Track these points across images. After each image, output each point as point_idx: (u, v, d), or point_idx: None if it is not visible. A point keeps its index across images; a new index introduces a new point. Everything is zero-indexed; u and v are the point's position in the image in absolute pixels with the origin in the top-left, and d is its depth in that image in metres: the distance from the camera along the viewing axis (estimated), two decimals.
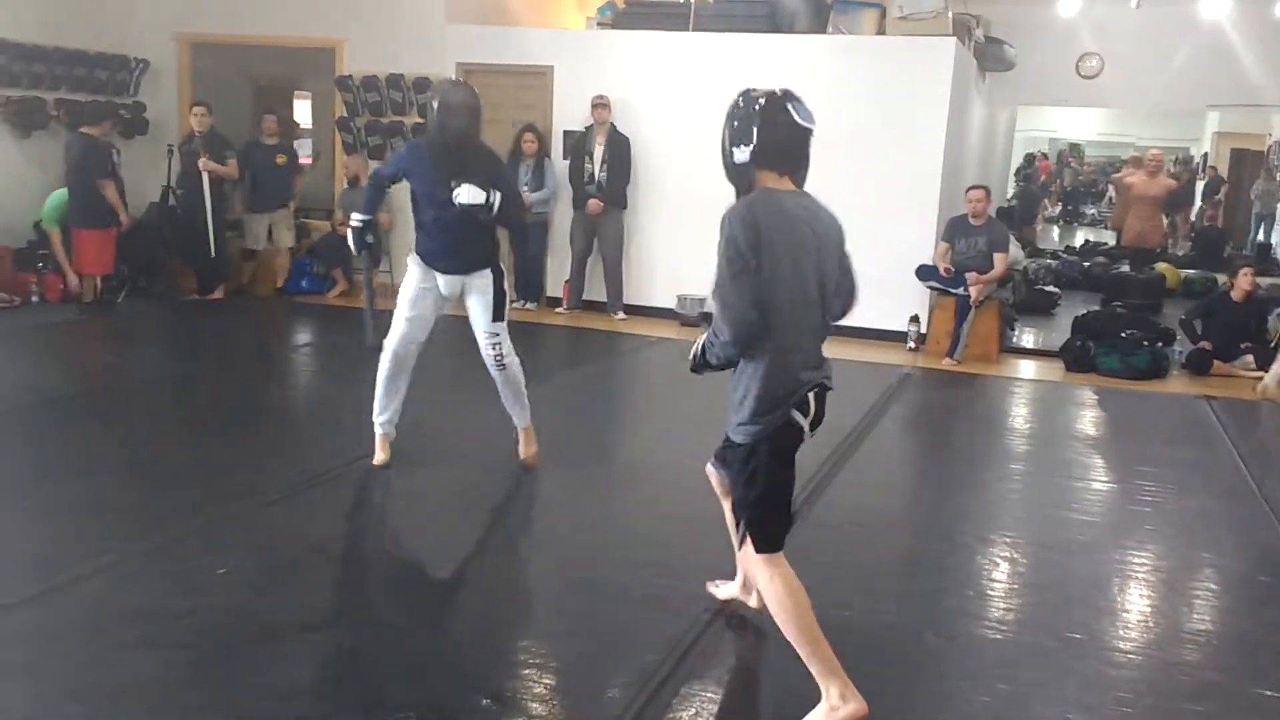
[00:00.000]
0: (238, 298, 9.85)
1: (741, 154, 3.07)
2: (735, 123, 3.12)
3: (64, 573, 3.91)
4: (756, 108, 3.07)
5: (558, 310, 9.93)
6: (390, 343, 5.02)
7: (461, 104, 4.73)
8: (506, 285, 5.14)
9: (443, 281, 4.97)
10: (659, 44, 9.61)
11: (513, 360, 5.15)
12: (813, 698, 3.37)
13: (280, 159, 10.01)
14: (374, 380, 5.12)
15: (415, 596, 4.02)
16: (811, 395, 3.13)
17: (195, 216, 9.47)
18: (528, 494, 5.34)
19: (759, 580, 3.20)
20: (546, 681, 3.42)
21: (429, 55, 10.06)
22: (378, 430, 5.18)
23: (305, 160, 11.61)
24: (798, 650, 3.12)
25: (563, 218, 9.88)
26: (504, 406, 5.30)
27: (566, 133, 9.85)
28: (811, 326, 3.11)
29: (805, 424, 3.13)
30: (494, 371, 5.12)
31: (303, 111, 12.21)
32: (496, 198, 4.76)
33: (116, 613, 3.67)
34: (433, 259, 4.94)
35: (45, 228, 9.18)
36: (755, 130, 3.05)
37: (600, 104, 9.44)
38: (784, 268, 2.97)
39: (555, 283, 10.05)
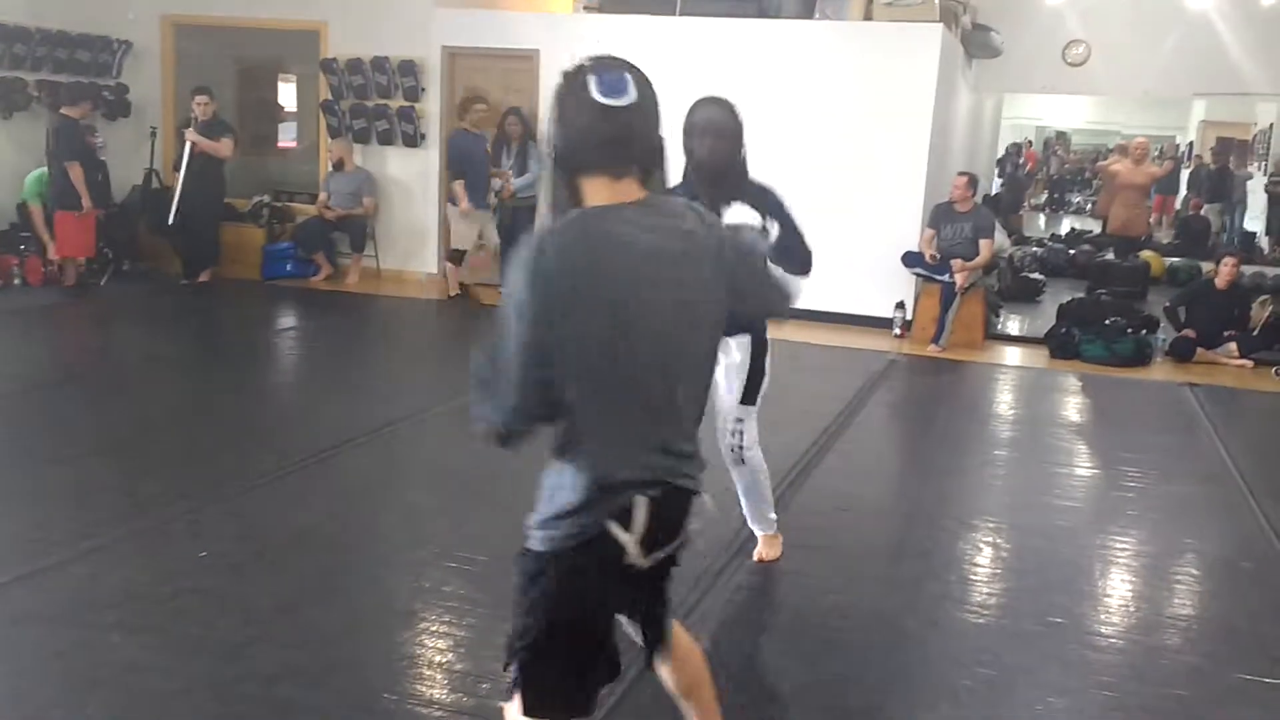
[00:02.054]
0: (220, 282, 9.78)
1: (549, 162, 2.11)
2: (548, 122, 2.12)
3: (47, 557, 3.89)
4: (555, 94, 2.09)
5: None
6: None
7: (710, 124, 3.96)
8: (768, 361, 4.01)
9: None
10: (646, 28, 9.56)
11: (755, 453, 4.04)
12: (800, 682, 3.38)
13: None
14: (358, 365, 5.06)
15: (398, 582, 4.01)
16: (643, 502, 2.07)
17: (193, 202, 9.39)
18: (512, 481, 5.31)
19: None
20: None
21: (415, 38, 10.00)
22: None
23: (289, 144, 11.55)
24: None
25: None
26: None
27: None
28: (651, 404, 2.08)
29: (629, 542, 2.07)
30: (730, 465, 4.03)
31: (287, 94, 12.11)
32: (774, 228, 3.93)
33: (98, 596, 3.65)
34: None
35: (28, 204, 9.11)
36: (553, 124, 2.09)
37: None
38: (598, 328, 1.99)
39: None
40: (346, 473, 4.40)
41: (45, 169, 9.12)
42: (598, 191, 2.07)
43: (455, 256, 9.57)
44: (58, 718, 2.96)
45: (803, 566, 4.28)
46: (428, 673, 3.33)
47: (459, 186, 9.25)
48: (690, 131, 3.81)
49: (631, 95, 2.09)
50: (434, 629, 3.59)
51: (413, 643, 3.50)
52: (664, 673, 2.50)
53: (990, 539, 4.73)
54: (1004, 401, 7.71)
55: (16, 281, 9.03)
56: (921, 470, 5.90)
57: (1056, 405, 7.52)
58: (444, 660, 3.41)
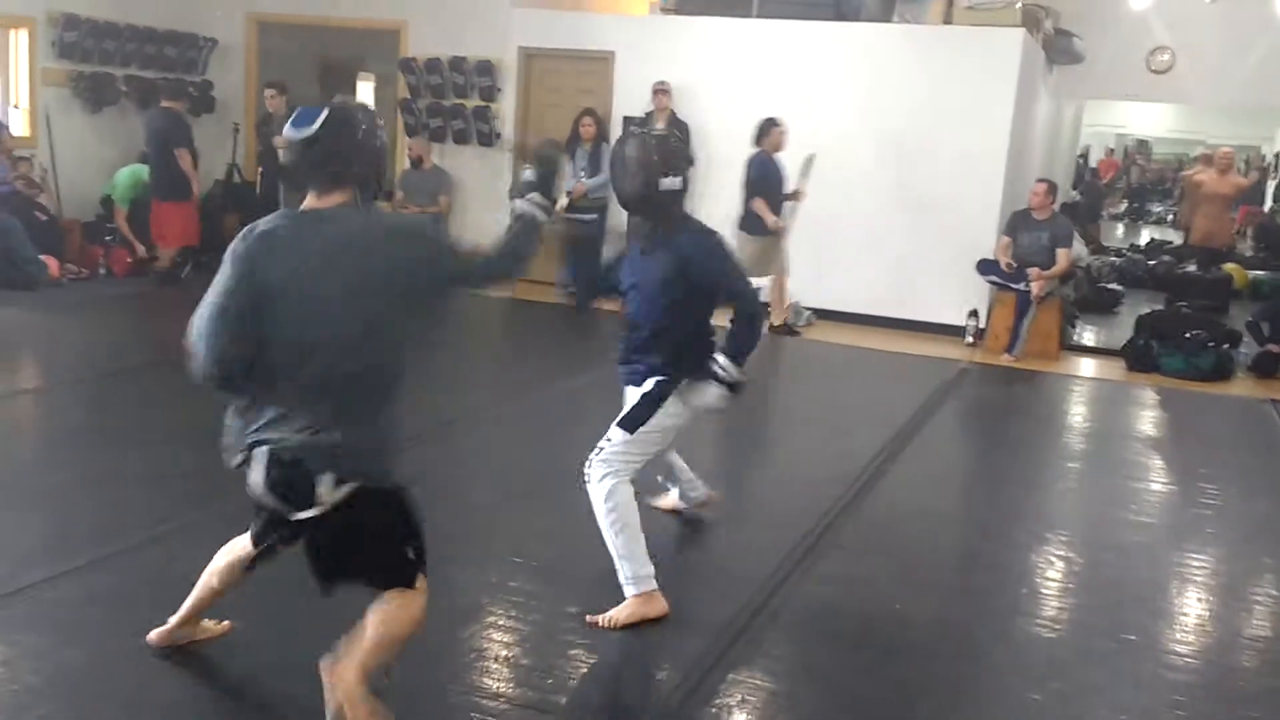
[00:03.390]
0: None
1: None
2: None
3: (125, 539, 3.99)
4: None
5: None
6: None
7: (619, 157, 3.84)
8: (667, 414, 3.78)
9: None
10: (722, 30, 9.56)
11: (599, 488, 3.79)
12: (864, 691, 3.35)
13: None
14: (424, 361, 5.09)
15: (464, 577, 4.05)
16: (261, 455, 2.62)
17: (279, 195, 9.58)
18: (574, 479, 5.35)
19: None
20: (592, 662, 3.43)
21: (492, 39, 10.09)
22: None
23: None
24: None
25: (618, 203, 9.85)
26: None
27: (626, 118, 9.82)
28: (296, 379, 2.58)
29: (253, 483, 2.65)
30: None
31: (365, 93, 12.30)
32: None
33: (174, 579, 3.72)
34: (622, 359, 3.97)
35: (115, 203, 9.35)
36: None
37: (661, 90, 9.41)
38: (268, 307, 2.53)
39: None
40: (411, 468, 4.43)
41: (138, 167, 9.35)
42: (309, 202, 2.61)
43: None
44: (134, 694, 3.04)
45: (870, 574, 4.24)
46: (493, 666, 3.36)
47: (762, 205, 8.42)
48: (613, 168, 3.83)
49: (314, 127, 2.56)
50: (499, 623, 3.62)
51: (478, 637, 3.53)
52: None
53: (1063, 553, 4.64)
54: (1079, 413, 7.57)
55: (102, 271, 9.27)
56: (993, 481, 5.81)
57: (1133, 418, 7.37)
58: (509, 654, 3.44)
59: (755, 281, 4.35)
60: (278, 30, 11.07)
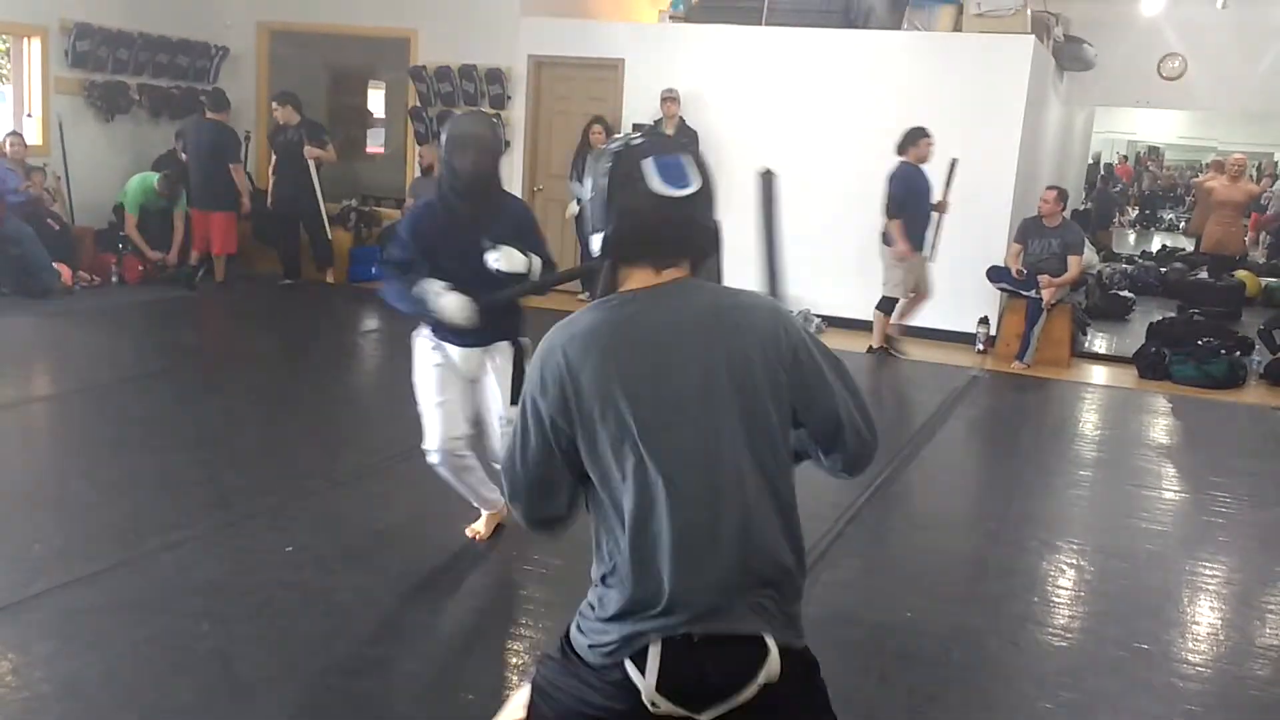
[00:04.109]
0: (309, 284, 9.98)
1: (595, 243, 1.91)
2: (591, 195, 1.92)
3: (138, 546, 4.01)
4: (603, 173, 1.89)
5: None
6: (433, 444, 4.06)
7: (474, 138, 3.85)
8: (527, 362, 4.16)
9: (460, 356, 4.01)
10: (731, 38, 9.57)
11: None
12: (875, 700, 3.34)
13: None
14: None
15: (478, 583, 4.06)
16: (656, 648, 1.78)
17: (295, 204, 9.64)
18: None
19: None
20: None
21: (502, 47, 10.12)
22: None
23: (377, 149, 11.75)
24: None
25: None
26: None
27: (635, 126, 9.83)
28: (683, 527, 1.77)
29: (645, 687, 1.78)
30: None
31: (376, 101, 12.34)
32: (536, 264, 3.85)
33: (187, 585, 3.75)
34: (452, 331, 3.90)
35: (126, 211, 9.38)
36: (601, 206, 1.89)
37: (669, 98, 9.42)
38: (609, 432, 1.79)
39: None
40: (428, 472, 4.46)
41: (148, 174, 9.40)
42: (638, 281, 1.88)
43: (886, 305, 8.46)
44: (147, 701, 3.04)
45: (880, 582, 4.24)
46: (505, 673, 3.36)
47: (897, 228, 8.08)
48: (453, 145, 3.81)
49: (693, 184, 1.90)
50: (512, 630, 3.63)
51: (492, 643, 3.53)
52: None
53: (1074, 561, 4.63)
54: (1090, 421, 7.55)
55: (114, 278, 9.32)
56: (1004, 488, 5.80)
57: (1145, 426, 7.35)
58: (520, 661, 3.44)
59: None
60: (288, 39, 11.12)
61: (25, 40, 9.38)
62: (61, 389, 6.55)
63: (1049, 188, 8.71)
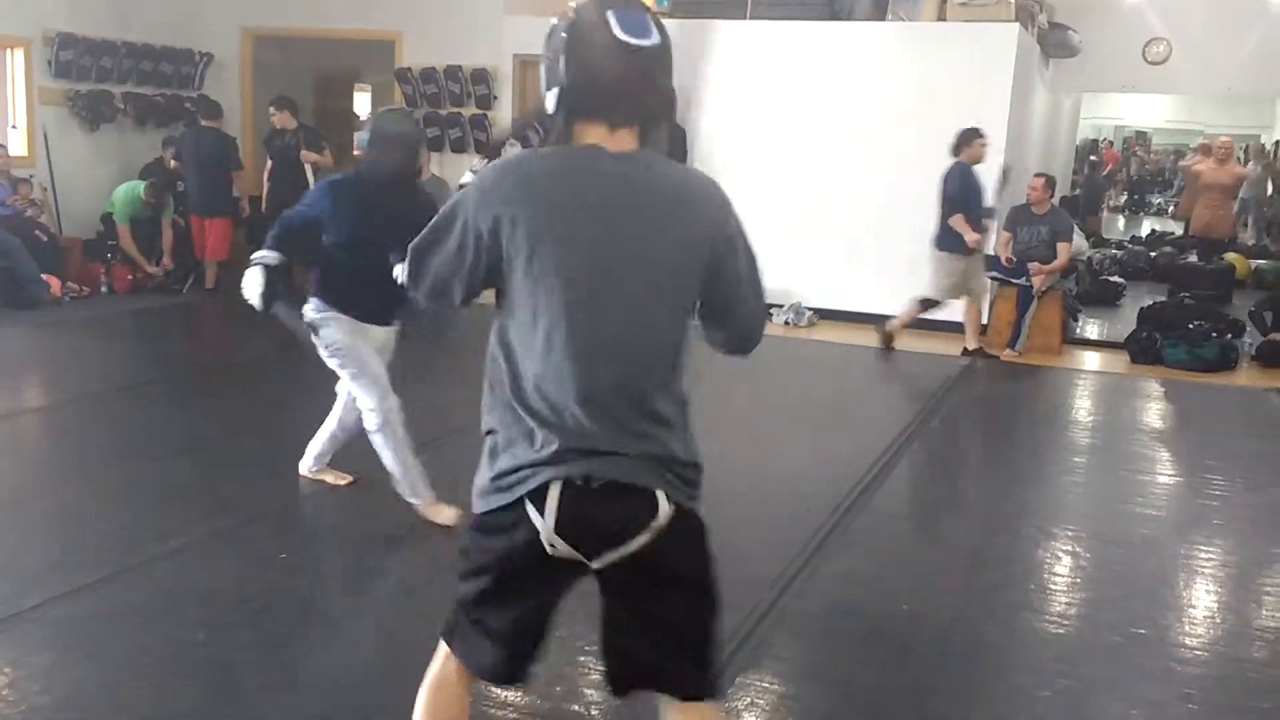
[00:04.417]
0: (298, 288, 9.95)
1: (550, 100, 1.97)
2: (547, 57, 1.99)
3: (134, 555, 3.99)
4: (565, 30, 1.96)
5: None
6: (377, 401, 4.24)
7: (401, 137, 4.16)
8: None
9: (379, 335, 4.35)
10: (716, 33, 9.57)
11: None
12: (874, 690, 3.35)
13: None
14: (433, 367, 5.11)
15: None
16: (557, 490, 1.94)
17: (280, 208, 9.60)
18: None
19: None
20: (601, 669, 3.42)
21: (487, 47, 10.12)
22: (426, 500, 4.39)
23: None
24: None
25: None
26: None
27: None
28: (585, 376, 1.92)
29: (544, 529, 1.95)
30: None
31: (362, 104, 12.32)
32: None
33: (183, 594, 3.74)
34: (370, 313, 4.24)
35: (116, 222, 9.34)
36: (562, 61, 1.94)
37: None
38: (547, 274, 1.91)
39: None
40: (429, 475, 4.46)
41: (134, 183, 9.37)
42: (592, 138, 1.97)
43: (925, 306, 8.26)
44: (146, 711, 3.04)
45: (877, 572, 4.24)
46: None
47: (961, 222, 7.90)
48: (380, 141, 4.10)
49: (655, 37, 1.95)
50: None
51: None
52: None
53: (1070, 547, 4.64)
54: (1083, 407, 7.57)
55: (104, 289, 9.29)
56: (999, 477, 5.81)
57: (1138, 411, 7.37)
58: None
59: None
60: (272, 44, 11.09)
61: (8, 51, 9.34)
62: (54, 400, 6.53)
63: (1037, 175, 8.72)
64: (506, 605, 2.06)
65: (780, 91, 9.38)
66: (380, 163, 4.10)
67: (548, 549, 1.98)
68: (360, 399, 4.30)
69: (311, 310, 4.25)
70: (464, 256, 1.97)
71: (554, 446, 1.94)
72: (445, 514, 4.29)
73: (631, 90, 1.95)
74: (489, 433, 2.08)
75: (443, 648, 2.18)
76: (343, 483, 4.70)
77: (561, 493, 1.94)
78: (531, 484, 1.95)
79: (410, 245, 2.06)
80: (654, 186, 1.99)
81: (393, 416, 4.26)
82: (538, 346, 1.94)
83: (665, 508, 1.97)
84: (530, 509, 1.95)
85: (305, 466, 4.73)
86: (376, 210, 4.04)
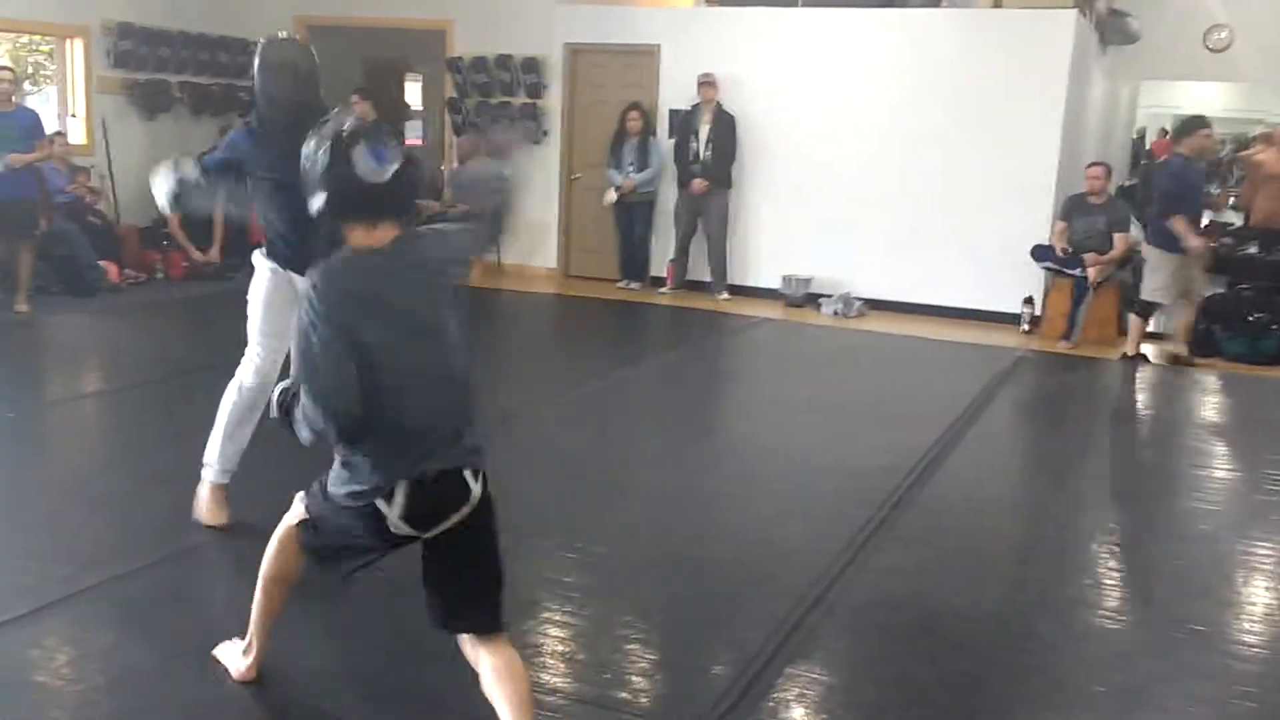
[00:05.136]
0: None
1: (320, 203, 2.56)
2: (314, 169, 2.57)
3: (189, 538, 4.05)
4: (327, 152, 2.52)
5: (661, 290, 9.92)
6: (247, 374, 4.11)
7: (284, 63, 3.89)
8: None
9: (299, 282, 3.78)
10: (768, 20, 9.50)
11: None
12: (924, 684, 3.32)
13: None
14: (480, 356, 5.11)
15: (521, 571, 4.05)
16: (403, 486, 2.55)
17: None
18: (630, 471, 5.36)
19: (281, 528, 2.93)
20: (649, 657, 3.43)
21: (537, 36, 10.12)
22: (210, 478, 4.18)
23: (414, 141, 11.81)
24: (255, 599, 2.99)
25: (667, 197, 9.86)
26: None
27: (672, 111, 9.81)
28: (414, 407, 2.55)
29: (391, 515, 2.58)
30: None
31: (413, 93, 12.39)
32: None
33: (236, 577, 3.78)
34: (291, 257, 3.90)
35: (168, 211, 9.46)
36: (323, 180, 2.54)
37: (706, 82, 9.38)
38: (370, 345, 2.48)
39: (659, 262, 10.04)
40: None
41: None
42: (358, 236, 2.54)
43: (1145, 309, 7.88)
44: (199, 692, 3.07)
45: (928, 566, 4.20)
46: (550, 661, 3.36)
47: (1181, 224, 7.44)
48: (267, 73, 3.84)
49: (395, 166, 2.52)
50: (555, 618, 3.63)
51: (535, 631, 3.53)
52: (480, 667, 2.73)
53: (1125, 542, 4.57)
54: (1139, 400, 7.44)
55: (159, 275, 9.43)
56: (1052, 470, 5.73)
57: (1195, 404, 7.24)
58: (565, 649, 3.44)
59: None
60: (325, 33, 11.16)
61: (68, 41, 9.50)
62: (111, 385, 6.64)
63: (1094, 164, 8.58)
64: None
65: (831, 79, 9.30)
66: (273, 96, 3.84)
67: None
68: (249, 350, 4.10)
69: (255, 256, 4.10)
70: None
71: None
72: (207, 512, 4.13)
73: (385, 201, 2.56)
74: None
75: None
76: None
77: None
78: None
79: None
80: None
81: (239, 389, 4.08)
82: None
83: (477, 484, 2.64)
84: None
85: None
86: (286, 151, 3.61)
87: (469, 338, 2.70)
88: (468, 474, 2.60)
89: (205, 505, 4.14)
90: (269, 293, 4.02)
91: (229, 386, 4.16)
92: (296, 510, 2.88)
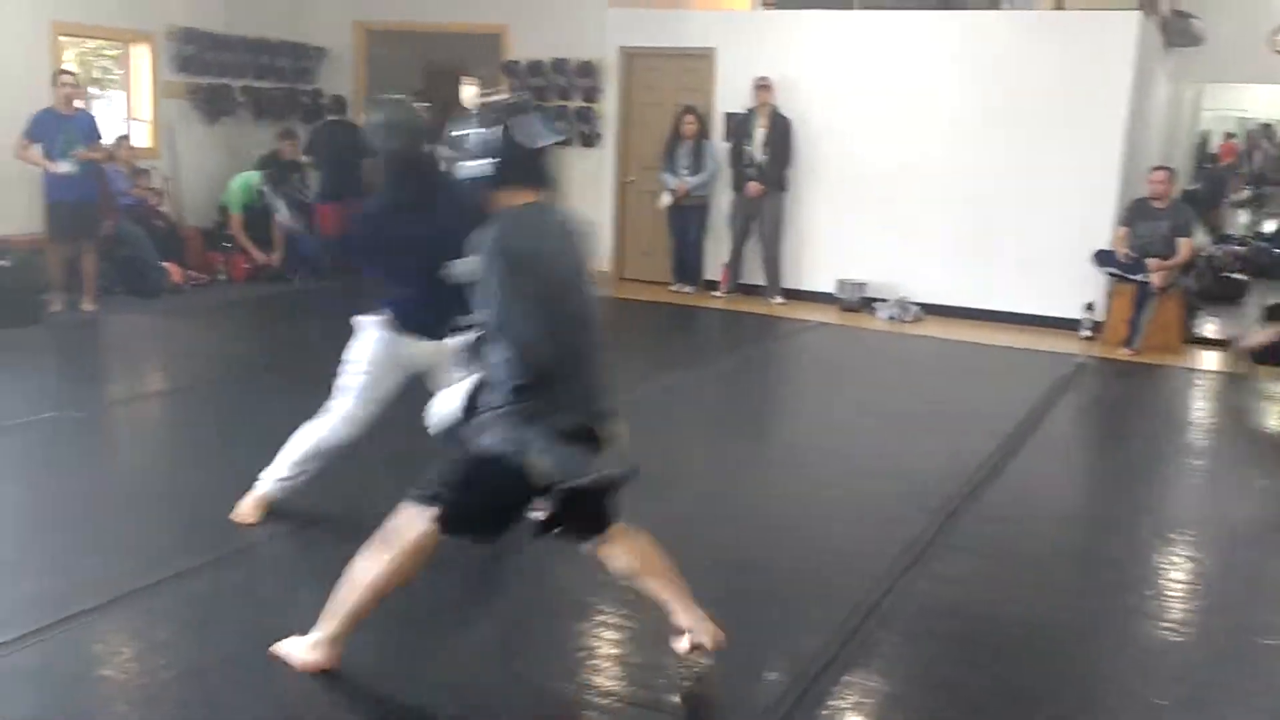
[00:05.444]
0: None
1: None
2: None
3: (249, 535, 4.11)
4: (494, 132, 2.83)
5: (715, 294, 9.90)
6: (339, 428, 4.14)
7: (399, 124, 4.02)
8: None
9: (425, 350, 4.00)
10: (824, 23, 9.46)
11: None
12: (981, 694, 3.28)
13: None
14: None
15: (572, 574, 4.06)
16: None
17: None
18: (684, 474, 5.35)
19: (398, 531, 2.99)
20: (703, 661, 3.41)
21: (592, 39, 10.16)
22: (262, 490, 4.26)
23: None
24: (342, 596, 3.06)
25: (721, 201, 9.84)
26: None
27: (728, 114, 9.79)
28: (575, 356, 2.90)
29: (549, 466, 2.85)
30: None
31: (469, 96, 12.47)
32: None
33: (298, 573, 3.85)
34: (424, 322, 3.91)
35: (230, 210, 9.63)
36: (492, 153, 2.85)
37: (762, 85, 9.36)
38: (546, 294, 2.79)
39: (713, 266, 10.02)
40: None
41: (250, 174, 9.63)
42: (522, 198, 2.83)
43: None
44: (262, 687, 3.11)
45: (986, 574, 4.15)
46: (603, 664, 3.37)
47: None
48: (389, 136, 3.98)
49: (559, 137, 2.94)
50: (608, 621, 3.63)
51: (588, 634, 3.54)
52: (609, 558, 3.14)
53: (1189, 551, 4.48)
54: (1203, 408, 7.30)
55: (221, 277, 9.58)
56: (1113, 478, 5.64)
57: (1261, 412, 7.08)
58: (618, 652, 3.45)
59: None
60: (383, 38, 11.31)
61: (133, 47, 9.69)
62: (174, 384, 6.76)
63: (1158, 168, 8.44)
64: None
65: (887, 83, 9.23)
66: (401, 157, 3.98)
67: None
68: (337, 401, 4.15)
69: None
70: None
71: None
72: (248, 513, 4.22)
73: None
74: None
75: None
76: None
77: None
78: None
79: None
80: None
81: (340, 431, 4.11)
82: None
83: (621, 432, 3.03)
84: None
85: None
86: (417, 206, 3.91)
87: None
88: (610, 422, 2.92)
89: (246, 504, 4.23)
90: (382, 359, 4.06)
91: (316, 425, 4.18)
92: (419, 513, 2.94)
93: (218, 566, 3.86)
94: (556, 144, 2.92)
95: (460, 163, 2.85)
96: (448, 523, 2.91)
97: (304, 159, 10.06)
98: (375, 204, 4.16)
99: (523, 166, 2.84)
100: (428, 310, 3.71)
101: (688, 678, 3.29)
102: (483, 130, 2.81)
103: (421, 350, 3.98)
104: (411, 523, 2.94)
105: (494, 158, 2.79)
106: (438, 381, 3.90)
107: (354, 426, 4.11)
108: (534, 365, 2.71)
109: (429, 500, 2.92)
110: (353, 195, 9.74)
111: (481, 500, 2.90)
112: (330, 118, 10.14)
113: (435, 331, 3.72)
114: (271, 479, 4.23)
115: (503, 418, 2.78)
